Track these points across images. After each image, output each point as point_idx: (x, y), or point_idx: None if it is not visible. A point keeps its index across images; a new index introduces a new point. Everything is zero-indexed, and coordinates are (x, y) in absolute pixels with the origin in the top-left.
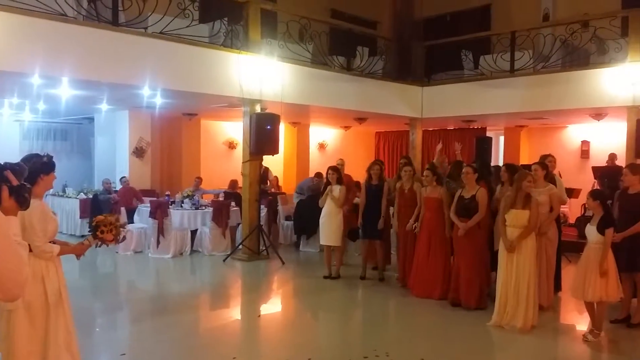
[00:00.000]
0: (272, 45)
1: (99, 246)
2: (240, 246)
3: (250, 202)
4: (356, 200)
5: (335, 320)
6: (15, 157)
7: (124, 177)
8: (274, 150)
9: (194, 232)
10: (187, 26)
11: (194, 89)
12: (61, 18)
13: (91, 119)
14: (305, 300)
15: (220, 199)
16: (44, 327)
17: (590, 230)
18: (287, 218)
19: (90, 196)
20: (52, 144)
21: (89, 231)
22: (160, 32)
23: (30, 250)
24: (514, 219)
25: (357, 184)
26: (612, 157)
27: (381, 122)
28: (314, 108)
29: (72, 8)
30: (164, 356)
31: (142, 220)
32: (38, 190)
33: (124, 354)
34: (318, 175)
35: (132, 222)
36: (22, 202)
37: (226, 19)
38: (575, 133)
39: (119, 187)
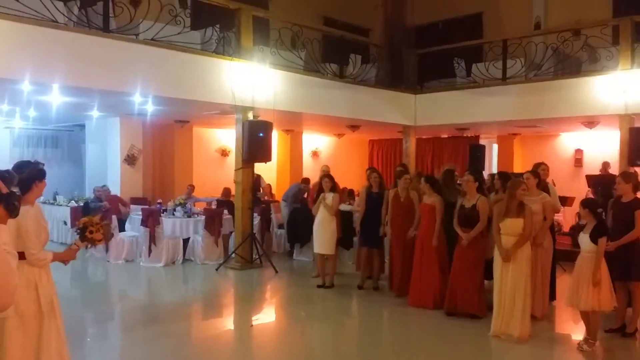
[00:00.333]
0: (265, 52)
1: (89, 247)
2: (233, 255)
3: (243, 210)
4: (347, 207)
5: (328, 330)
6: (5, 165)
7: (104, 185)
8: (266, 158)
9: (186, 241)
10: (179, 33)
11: (185, 96)
12: (52, 24)
13: (82, 126)
14: (299, 310)
15: (213, 206)
16: (37, 335)
17: (583, 239)
18: (281, 226)
19: (81, 204)
20: (43, 151)
21: (77, 233)
22: (152, 39)
23: (24, 258)
24: (509, 228)
25: (351, 192)
26: (606, 165)
27: (374, 130)
28: (306, 115)
29: (63, 14)
30: None
31: (134, 228)
32: (31, 197)
33: None
34: (305, 181)
35: (124, 230)
36: (12, 210)
37: (218, 25)
38: (568, 141)
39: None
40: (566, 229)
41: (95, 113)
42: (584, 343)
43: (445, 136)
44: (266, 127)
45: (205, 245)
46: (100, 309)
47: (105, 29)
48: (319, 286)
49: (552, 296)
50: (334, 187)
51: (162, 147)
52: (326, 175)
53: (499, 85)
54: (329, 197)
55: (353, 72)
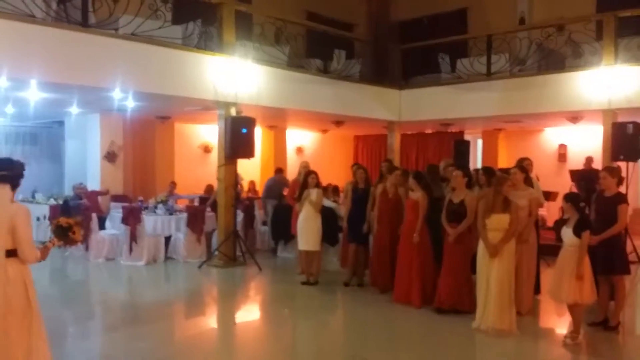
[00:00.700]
0: (247, 47)
1: (65, 247)
2: (216, 252)
3: (226, 207)
4: (330, 203)
5: (313, 327)
6: None
7: (82, 183)
8: (249, 154)
9: (168, 239)
10: (160, 27)
11: (166, 92)
12: (29, 19)
13: (61, 123)
14: (283, 307)
15: (196, 204)
16: (28, 332)
17: (566, 233)
18: (264, 223)
19: (61, 202)
20: (21, 148)
21: (55, 232)
22: (132, 34)
23: (15, 255)
24: (495, 223)
25: (335, 188)
26: (589, 160)
27: (359, 125)
28: (290, 111)
29: (41, 9)
30: None
31: (114, 226)
32: (13, 194)
33: None
34: (278, 170)
35: (104, 228)
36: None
37: (200, 20)
38: (552, 136)
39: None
40: (550, 223)
41: (74, 109)
42: (568, 336)
43: (430, 132)
44: (249, 123)
45: (187, 243)
46: (80, 308)
47: (84, 24)
48: (303, 283)
49: (537, 290)
50: (318, 184)
51: (143, 144)
52: (312, 171)
53: (483, 81)
54: (313, 193)
55: (337, 67)
